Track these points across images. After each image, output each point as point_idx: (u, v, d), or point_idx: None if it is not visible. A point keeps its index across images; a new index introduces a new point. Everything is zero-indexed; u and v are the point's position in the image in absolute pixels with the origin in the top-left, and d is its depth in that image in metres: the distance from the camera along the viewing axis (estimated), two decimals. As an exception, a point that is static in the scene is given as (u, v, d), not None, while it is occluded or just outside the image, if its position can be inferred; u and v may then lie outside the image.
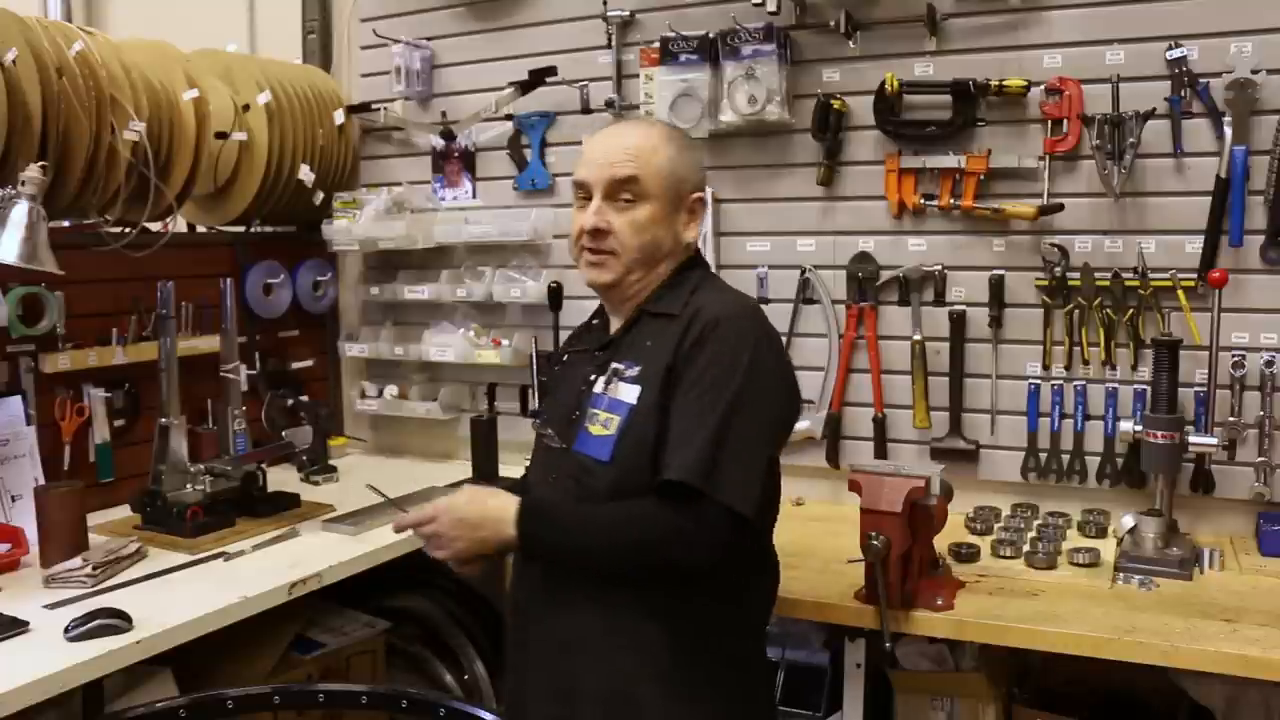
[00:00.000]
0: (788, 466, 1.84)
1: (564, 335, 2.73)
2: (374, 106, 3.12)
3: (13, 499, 2.30)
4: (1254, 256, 2.26)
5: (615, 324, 1.80)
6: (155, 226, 2.61)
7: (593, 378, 1.74)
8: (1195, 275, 2.29)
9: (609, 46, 2.81)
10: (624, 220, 1.71)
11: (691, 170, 1.78)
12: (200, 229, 3.02)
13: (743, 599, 1.75)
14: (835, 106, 2.54)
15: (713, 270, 1.91)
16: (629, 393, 1.67)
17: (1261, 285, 2.26)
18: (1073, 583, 2.07)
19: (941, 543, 2.13)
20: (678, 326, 1.67)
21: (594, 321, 1.88)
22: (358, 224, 3.02)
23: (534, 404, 2.80)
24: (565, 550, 1.69)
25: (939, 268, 2.53)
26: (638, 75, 2.72)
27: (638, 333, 1.75)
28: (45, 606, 1.89)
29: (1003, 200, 2.43)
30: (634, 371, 1.69)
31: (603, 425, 1.69)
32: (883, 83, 2.48)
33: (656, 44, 2.67)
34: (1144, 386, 2.32)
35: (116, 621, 1.78)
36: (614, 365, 1.72)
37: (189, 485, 2.36)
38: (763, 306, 1.85)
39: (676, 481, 1.56)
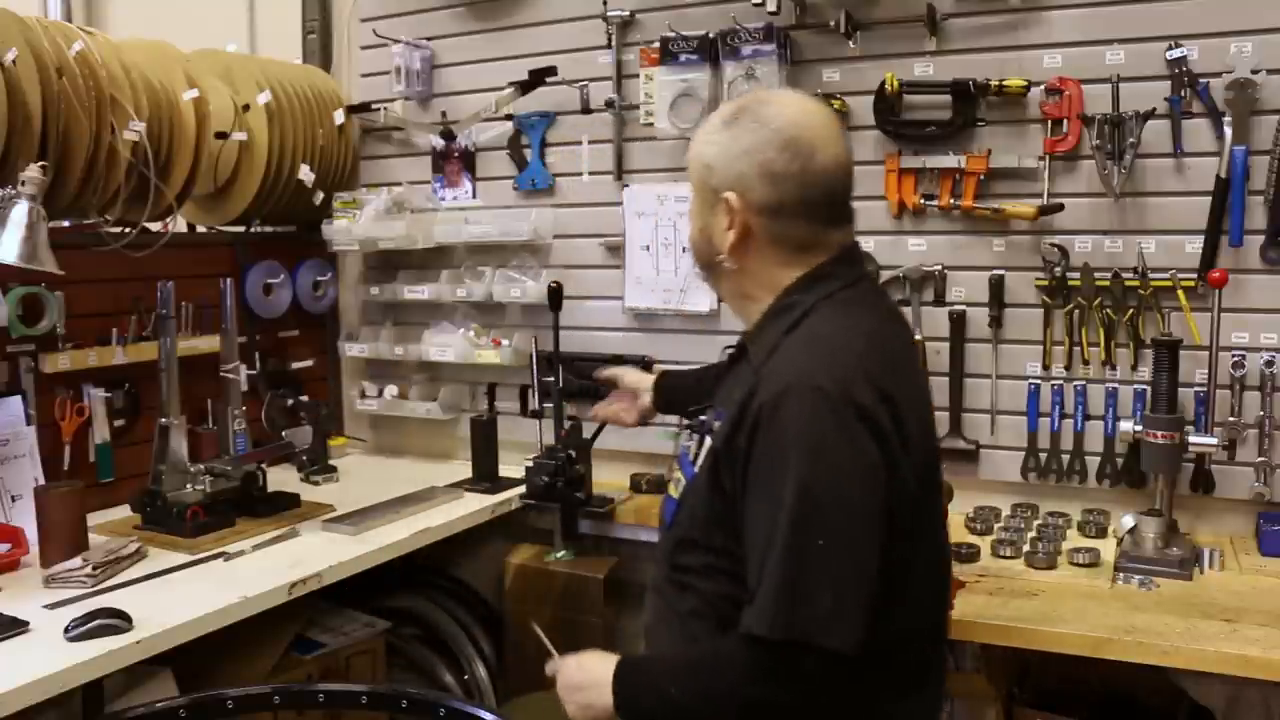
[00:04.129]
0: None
1: (564, 336, 2.75)
2: (374, 106, 3.12)
3: (13, 499, 2.30)
4: (1254, 256, 2.26)
5: None
6: (155, 226, 2.61)
7: (689, 421, 1.57)
8: (1195, 275, 2.29)
9: (609, 46, 2.81)
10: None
11: (731, 159, 1.45)
12: (200, 229, 3.02)
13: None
14: (835, 106, 2.54)
15: (855, 282, 1.51)
16: (702, 453, 1.48)
17: (1261, 285, 2.26)
18: (1073, 583, 2.07)
19: (941, 543, 2.13)
20: (747, 387, 1.39)
21: None
22: (358, 224, 3.02)
23: (534, 404, 2.80)
24: (668, 716, 1.46)
25: (939, 268, 2.53)
26: (638, 75, 2.72)
27: (735, 375, 1.52)
28: (45, 606, 1.89)
29: (1003, 200, 2.43)
30: (718, 424, 1.46)
31: (675, 485, 1.56)
32: (883, 83, 2.48)
33: (656, 44, 2.67)
34: (1144, 386, 2.32)
35: (116, 621, 1.78)
36: (704, 416, 1.53)
37: (189, 485, 2.36)
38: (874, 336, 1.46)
39: (758, 637, 1.32)
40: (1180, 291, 2.30)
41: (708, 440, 1.47)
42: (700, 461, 1.48)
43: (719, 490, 1.42)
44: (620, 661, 1.49)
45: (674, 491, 1.57)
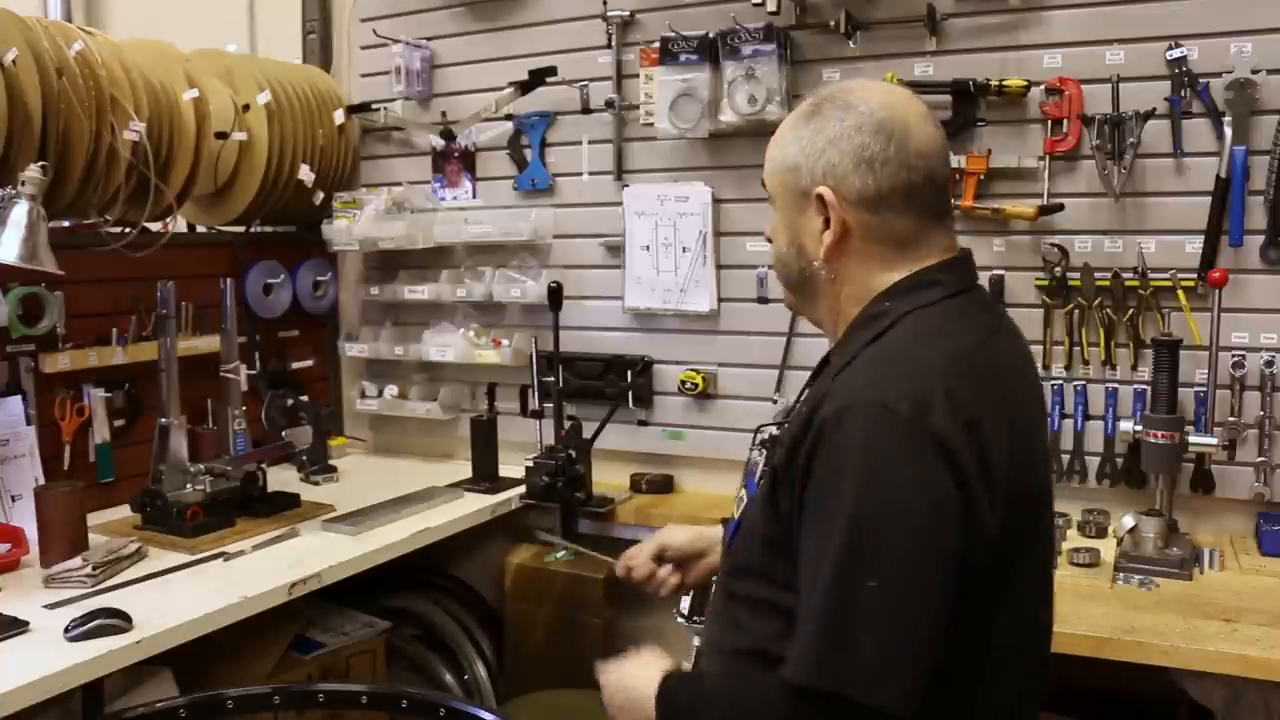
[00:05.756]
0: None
1: (564, 336, 2.75)
2: (374, 106, 3.12)
3: (13, 499, 2.30)
4: (1254, 256, 2.26)
5: None
6: (155, 226, 2.60)
7: (759, 438, 1.44)
8: (1195, 275, 2.29)
9: (609, 46, 2.81)
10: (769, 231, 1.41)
11: (817, 152, 1.31)
12: (200, 229, 3.02)
13: None
14: (835, 106, 2.54)
15: (961, 291, 1.34)
16: (764, 469, 1.36)
17: (1261, 285, 2.26)
18: (1073, 583, 2.07)
19: (941, 543, 2.13)
20: (814, 401, 1.25)
21: None
22: (358, 224, 3.01)
23: (534, 404, 2.80)
24: None
25: (939, 268, 2.52)
26: (638, 75, 2.72)
27: (812, 391, 1.37)
28: (45, 606, 1.89)
29: (1003, 200, 2.43)
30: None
31: (739, 504, 1.43)
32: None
33: (656, 44, 2.67)
34: (1144, 386, 2.32)
35: (116, 621, 1.78)
36: (775, 430, 1.40)
37: (189, 485, 2.36)
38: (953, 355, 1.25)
39: (799, 687, 1.16)
40: (1180, 291, 2.30)
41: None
42: (761, 479, 1.36)
43: (775, 513, 1.27)
44: (663, 688, 1.34)
45: (735, 510, 1.43)
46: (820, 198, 1.30)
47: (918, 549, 1.15)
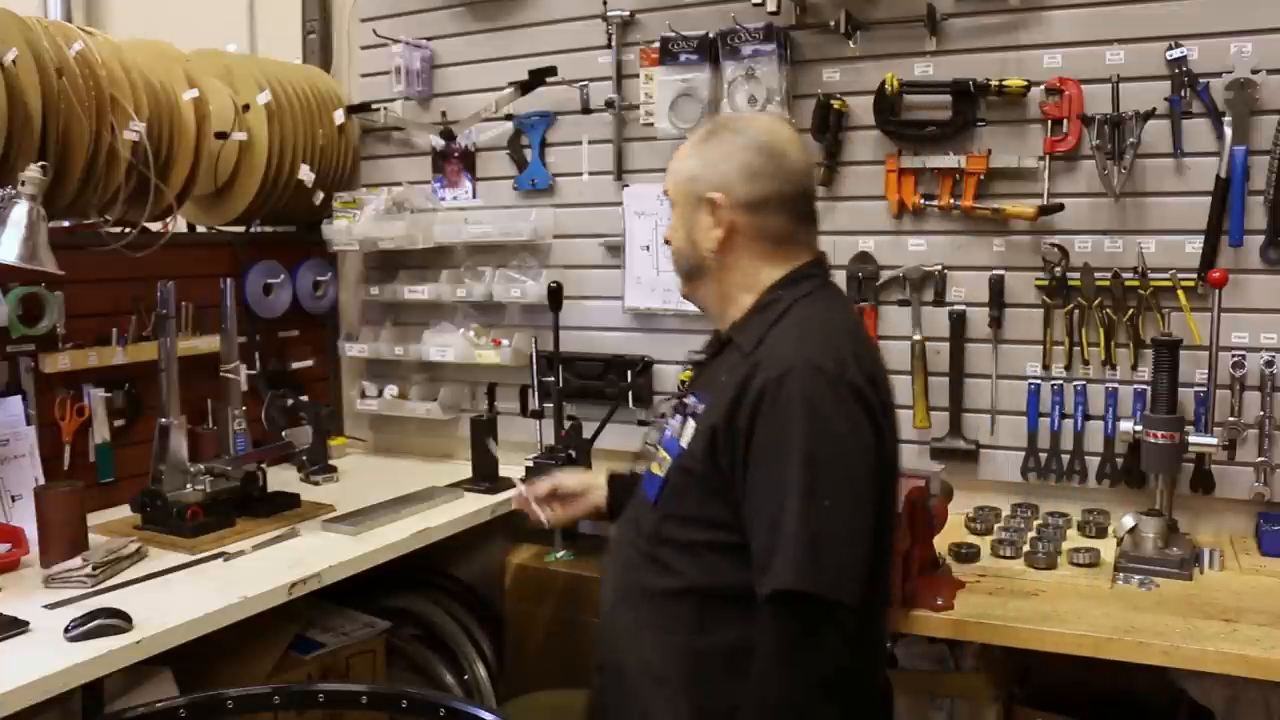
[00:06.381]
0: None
1: (564, 336, 2.75)
2: (374, 106, 3.12)
3: (13, 499, 2.30)
4: (1254, 256, 2.26)
5: None
6: (155, 226, 2.61)
7: (675, 402, 1.70)
8: (1195, 275, 2.29)
9: (609, 46, 2.81)
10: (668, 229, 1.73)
11: (711, 166, 1.63)
12: (200, 229, 3.02)
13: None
14: (835, 106, 2.54)
15: (826, 284, 1.69)
16: (687, 432, 1.59)
17: (1261, 285, 2.26)
18: (1073, 583, 2.07)
19: (941, 543, 2.13)
20: (742, 371, 1.52)
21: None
22: (358, 224, 3.02)
23: (534, 404, 2.80)
24: None
25: (939, 268, 2.52)
26: (638, 75, 2.72)
27: (718, 364, 1.64)
28: (45, 606, 1.89)
29: (1003, 200, 2.43)
30: (701, 408, 1.59)
31: (659, 464, 1.64)
32: (883, 83, 2.48)
33: (656, 44, 2.67)
34: (1144, 386, 2.32)
35: (116, 621, 1.78)
36: (687, 399, 1.65)
37: (189, 485, 2.36)
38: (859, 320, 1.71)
39: (784, 591, 1.43)
40: (1180, 291, 2.30)
41: (690, 422, 1.60)
42: (689, 439, 1.58)
43: (716, 466, 1.52)
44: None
45: (657, 470, 1.64)
46: (713, 201, 1.61)
47: (857, 475, 1.48)
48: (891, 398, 1.64)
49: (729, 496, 1.52)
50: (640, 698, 1.60)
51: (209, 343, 2.67)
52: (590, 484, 2.05)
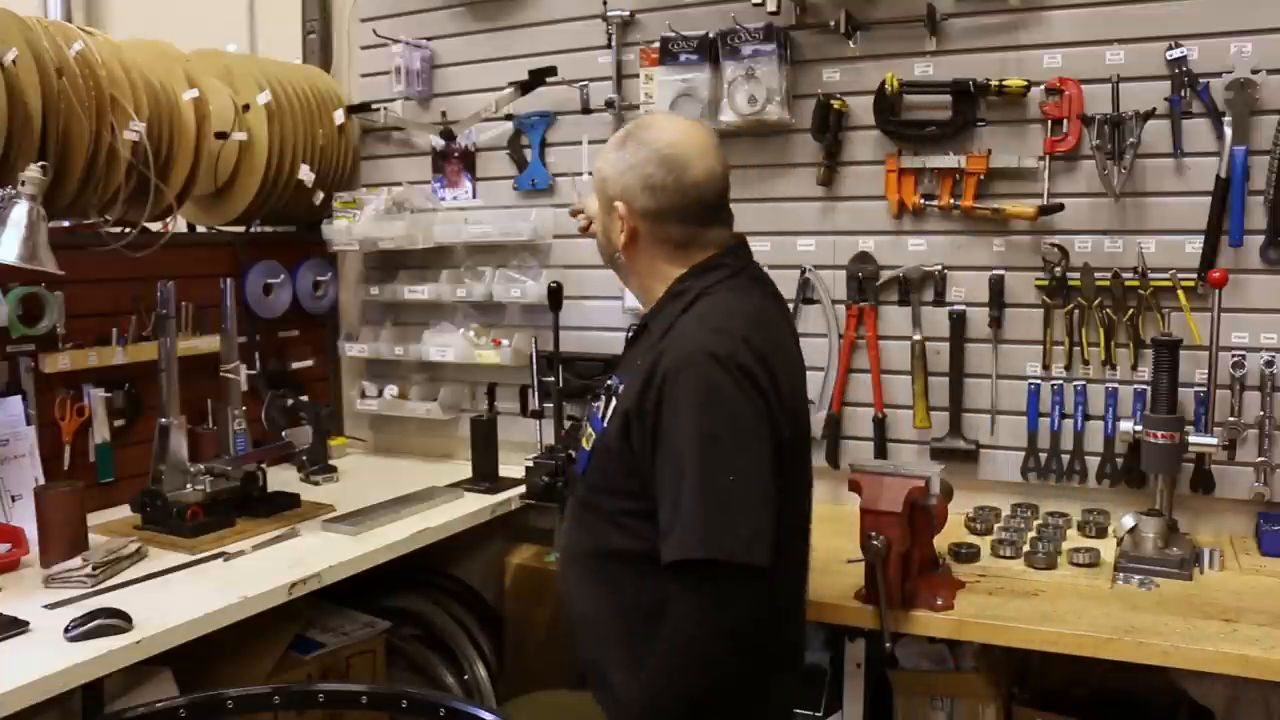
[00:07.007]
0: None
1: (564, 336, 2.75)
2: (374, 106, 3.12)
3: (13, 499, 2.30)
4: (1254, 256, 2.26)
5: None
6: (155, 226, 2.60)
7: (604, 383, 1.79)
8: (1195, 275, 2.29)
9: (609, 46, 2.81)
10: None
11: (618, 174, 1.73)
12: (200, 229, 3.02)
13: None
14: (835, 106, 2.54)
15: (737, 272, 1.77)
16: (609, 412, 1.71)
17: (1261, 285, 2.26)
18: (1073, 583, 2.07)
19: (941, 543, 2.13)
20: (650, 358, 1.64)
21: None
22: (358, 224, 3.02)
23: (534, 404, 2.80)
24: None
25: (939, 268, 2.53)
26: (638, 75, 2.72)
27: (637, 347, 1.77)
28: (45, 606, 1.89)
29: (1003, 200, 2.43)
30: (621, 389, 1.70)
31: (587, 438, 1.78)
32: (883, 83, 2.48)
33: (656, 44, 2.67)
34: (1144, 386, 2.32)
35: (116, 621, 1.78)
36: (610, 379, 1.78)
37: (189, 485, 2.36)
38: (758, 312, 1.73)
39: (681, 560, 1.53)
40: (1180, 291, 2.30)
41: (613, 401, 1.71)
42: (609, 418, 1.70)
43: (629, 444, 1.64)
44: None
45: (585, 444, 1.79)
46: (617, 209, 1.73)
47: (753, 449, 1.58)
48: (792, 374, 1.74)
49: (642, 474, 1.63)
50: (591, 645, 1.75)
51: (209, 343, 2.67)
52: None
